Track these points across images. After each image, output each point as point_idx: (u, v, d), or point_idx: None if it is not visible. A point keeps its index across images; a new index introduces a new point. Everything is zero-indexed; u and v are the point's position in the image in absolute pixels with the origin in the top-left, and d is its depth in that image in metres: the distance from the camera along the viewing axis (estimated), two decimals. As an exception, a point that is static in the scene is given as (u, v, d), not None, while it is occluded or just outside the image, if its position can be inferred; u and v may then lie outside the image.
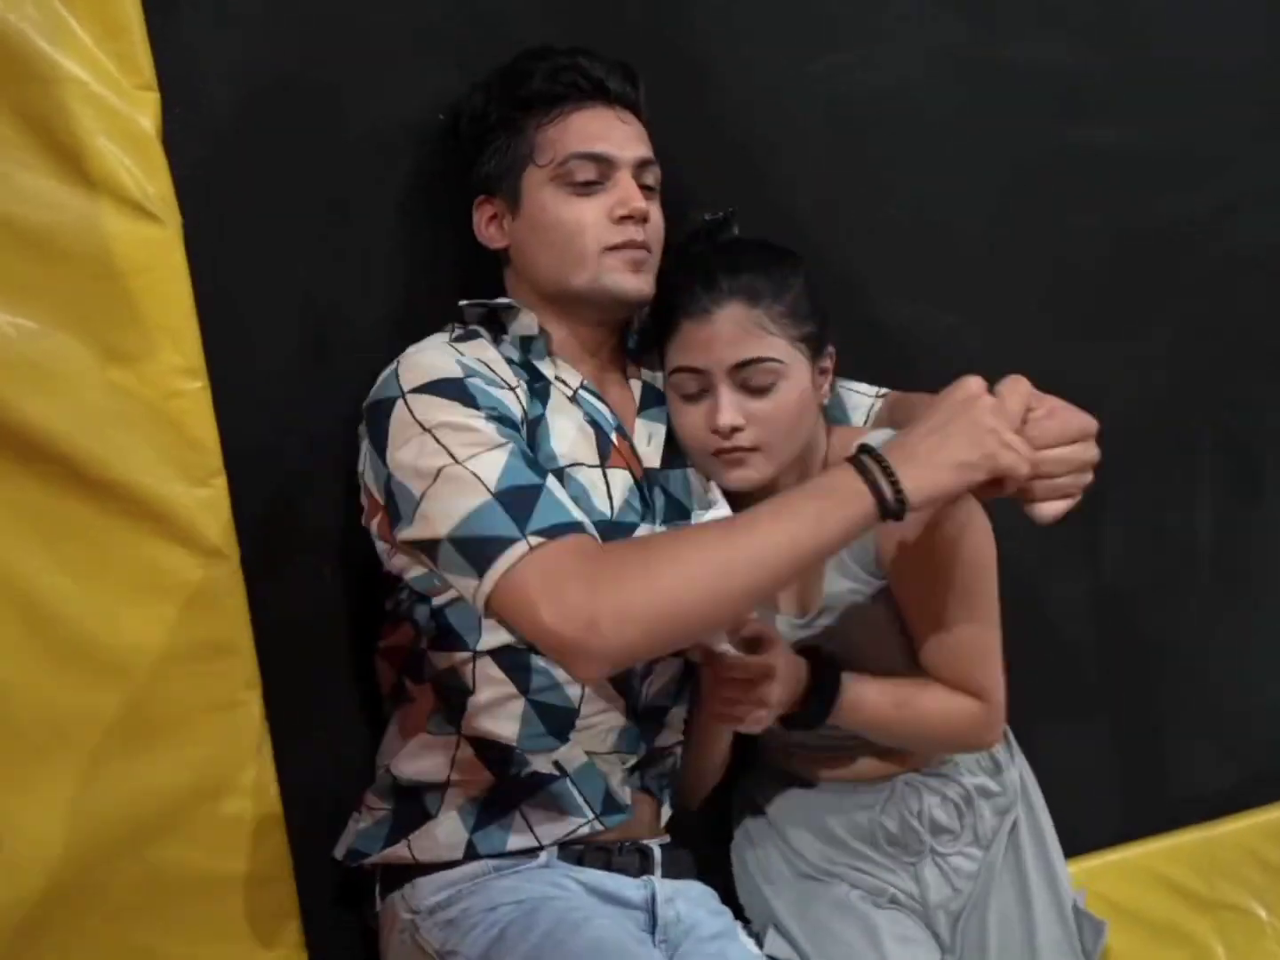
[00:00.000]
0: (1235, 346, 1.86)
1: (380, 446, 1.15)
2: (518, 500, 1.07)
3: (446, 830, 1.23)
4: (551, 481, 1.12)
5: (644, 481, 1.29)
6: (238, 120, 1.26)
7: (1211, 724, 1.88)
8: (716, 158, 1.47)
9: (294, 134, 1.29)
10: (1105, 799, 1.70)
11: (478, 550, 1.06)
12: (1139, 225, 1.76)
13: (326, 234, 1.31)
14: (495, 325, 1.29)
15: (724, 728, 1.34)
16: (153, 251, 1.16)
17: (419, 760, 1.25)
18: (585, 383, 1.29)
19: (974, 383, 1.08)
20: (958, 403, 1.07)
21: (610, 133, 1.27)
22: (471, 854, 1.22)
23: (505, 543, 1.05)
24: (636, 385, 1.36)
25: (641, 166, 1.28)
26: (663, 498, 1.30)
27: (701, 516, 1.26)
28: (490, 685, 1.22)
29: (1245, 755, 1.90)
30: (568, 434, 1.24)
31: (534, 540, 1.05)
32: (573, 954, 1.12)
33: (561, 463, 1.21)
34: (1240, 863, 1.84)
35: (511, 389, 1.21)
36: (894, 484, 1.04)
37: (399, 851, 1.24)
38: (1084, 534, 1.78)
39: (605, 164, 1.26)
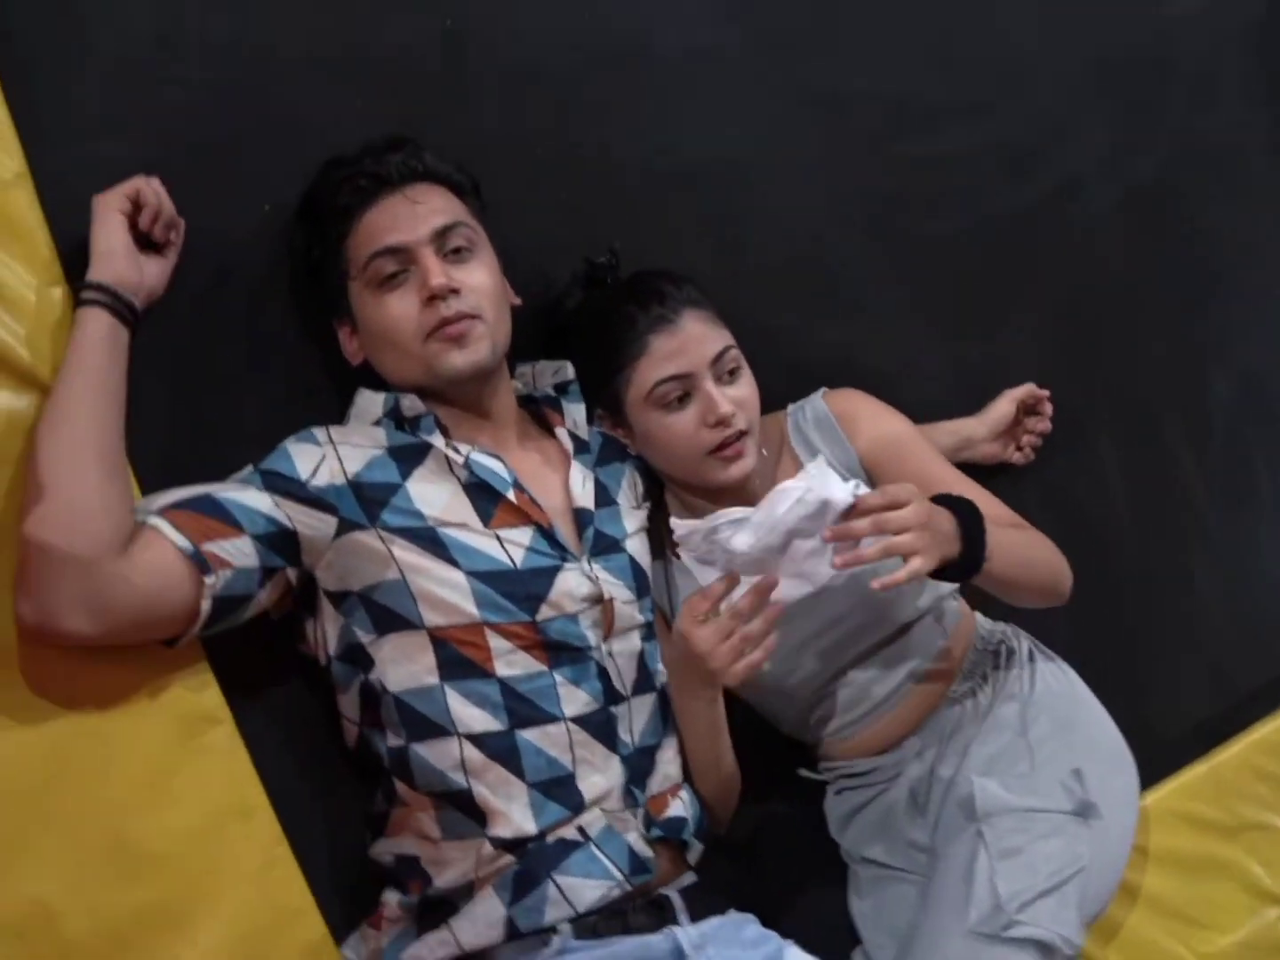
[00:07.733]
0: (1096, 314, 1.96)
1: None
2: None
3: (485, 908, 1.23)
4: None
5: (555, 527, 1.32)
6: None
7: (1177, 663, 1.94)
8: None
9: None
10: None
11: None
12: (980, 222, 1.86)
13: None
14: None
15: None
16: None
17: (445, 871, 1.24)
18: (476, 449, 1.31)
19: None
20: None
21: (398, 221, 1.28)
22: (513, 932, 1.22)
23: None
24: (564, 434, 1.41)
25: (442, 235, 1.29)
26: (593, 534, 1.35)
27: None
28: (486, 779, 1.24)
29: (1220, 686, 1.96)
30: (434, 499, 1.28)
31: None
32: None
33: (428, 521, 1.26)
34: (1247, 782, 1.85)
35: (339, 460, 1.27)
36: None
37: (432, 948, 1.23)
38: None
39: (401, 253, 1.27)
